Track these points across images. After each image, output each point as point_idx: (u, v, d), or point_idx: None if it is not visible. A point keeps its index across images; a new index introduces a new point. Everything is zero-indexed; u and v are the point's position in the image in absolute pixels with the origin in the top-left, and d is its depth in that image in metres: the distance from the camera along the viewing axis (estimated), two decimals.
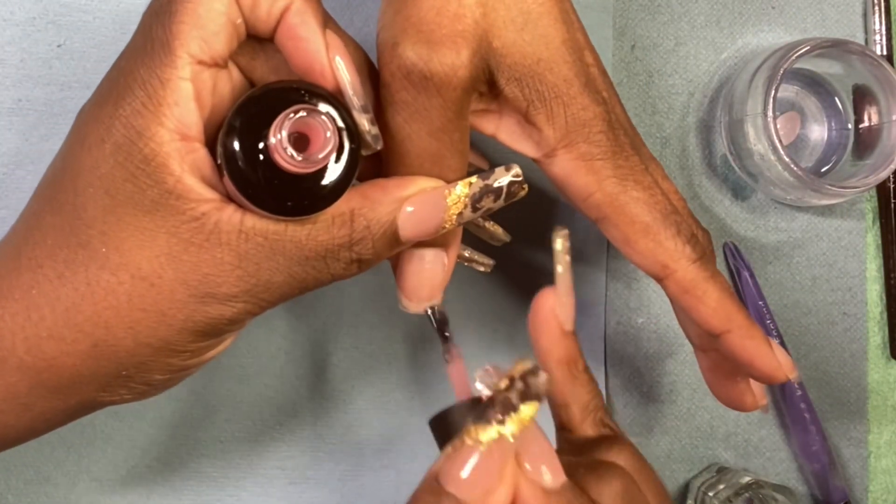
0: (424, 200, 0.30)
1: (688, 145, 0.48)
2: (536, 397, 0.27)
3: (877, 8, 0.49)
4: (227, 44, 0.28)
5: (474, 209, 0.30)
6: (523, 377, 0.27)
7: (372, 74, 0.32)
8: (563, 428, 0.34)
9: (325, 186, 0.28)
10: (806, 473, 0.49)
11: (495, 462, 0.27)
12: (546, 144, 0.32)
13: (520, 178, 0.31)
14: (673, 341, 0.48)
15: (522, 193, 0.31)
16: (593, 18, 0.46)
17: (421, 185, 0.30)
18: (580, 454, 0.32)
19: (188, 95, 0.27)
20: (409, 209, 0.29)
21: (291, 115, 0.27)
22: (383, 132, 0.30)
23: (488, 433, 0.26)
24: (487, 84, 0.31)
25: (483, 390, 0.28)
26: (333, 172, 0.28)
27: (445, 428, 0.29)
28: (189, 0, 0.27)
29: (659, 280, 0.33)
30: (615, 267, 0.47)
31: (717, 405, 0.48)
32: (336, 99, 0.28)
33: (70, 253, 0.28)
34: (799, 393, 0.47)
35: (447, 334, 0.32)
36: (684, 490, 0.48)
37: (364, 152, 0.30)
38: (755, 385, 0.36)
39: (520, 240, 0.46)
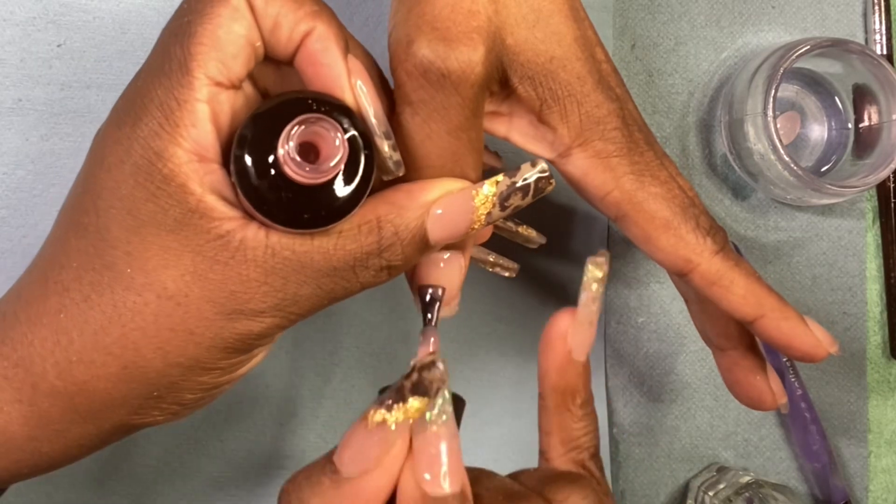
0: (452, 202, 0.29)
1: (688, 145, 0.48)
2: (425, 393, 0.26)
3: (877, 8, 0.49)
4: (245, 66, 0.28)
5: (503, 208, 0.30)
6: (420, 369, 0.27)
7: (382, 81, 0.31)
8: (541, 454, 0.33)
9: (342, 196, 0.28)
10: (806, 473, 0.49)
11: (373, 444, 0.26)
12: (561, 143, 0.32)
13: (546, 174, 0.30)
14: (673, 341, 0.48)
15: (550, 188, 0.30)
16: (593, 18, 0.46)
17: (446, 187, 0.30)
18: (538, 485, 0.30)
19: (205, 117, 0.27)
20: (438, 212, 0.29)
21: (297, 125, 0.27)
22: (400, 133, 0.30)
23: (376, 416, 0.26)
24: (499, 83, 0.31)
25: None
26: (349, 181, 0.28)
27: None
28: (209, 22, 0.27)
29: (683, 275, 0.32)
30: (615, 267, 0.47)
31: (717, 405, 0.48)
32: (346, 107, 0.28)
33: (96, 275, 0.28)
34: (799, 392, 0.47)
35: (430, 316, 0.31)
36: (684, 490, 0.48)
37: (385, 177, 0.30)
38: (774, 383, 0.35)
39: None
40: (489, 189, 0.29)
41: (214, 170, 0.27)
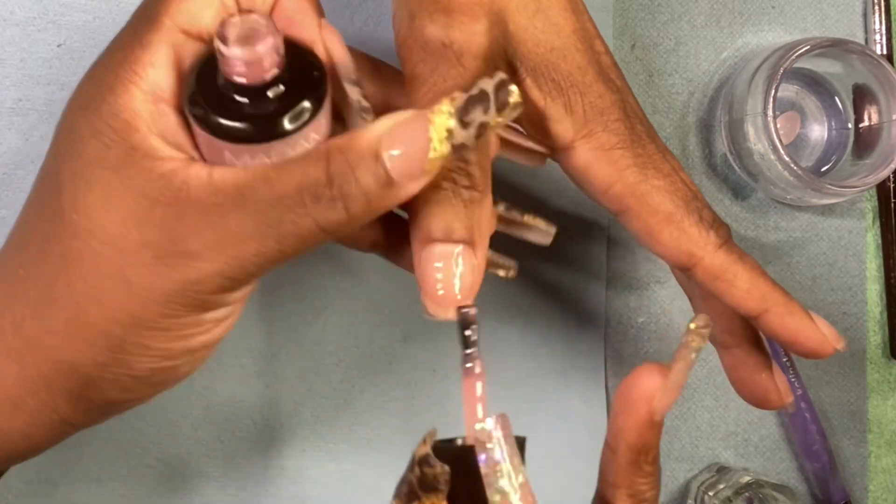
0: (406, 123, 0.27)
1: (688, 145, 0.48)
2: (435, 490, 0.25)
3: (877, 7, 0.49)
4: (215, 21, 0.28)
5: (464, 125, 0.26)
6: (420, 464, 0.25)
7: (379, 70, 0.31)
8: (602, 501, 0.31)
9: (286, 105, 0.27)
10: (806, 473, 0.49)
11: None
12: (565, 136, 0.31)
13: (505, 80, 0.27)
14: (673, 341, 0.48)
15: (513, 100, 0.27)
16: (593, 18, 0.46)
17: (401, 115, 0.27)
18: None
19: (167, 60, 0.27)
20: (392, 134, 0.26)
21: (234, 19, 0.27)
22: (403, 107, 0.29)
23: None
24: (507, 70, 0.30)
25: (475, 444, 0.26)
26: (295, 100, 0.27)
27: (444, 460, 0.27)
28: None
29: (686, 269, 0.32)
30: (615, 267, 0.47)
31: (717, 405, 0.48)
32: (308, 48, 0.29)
33: (49, 225, 0.27)
34: (799, 392, 0.47)
35: (470, 343, 0.28)
36: (684, 490, 0.48)
37: (353, 124, 0.29)
38: (780, 381, 0.35)
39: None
40: (445, 106, 0.26)
41: (166, 112, 0.27)
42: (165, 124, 0.27)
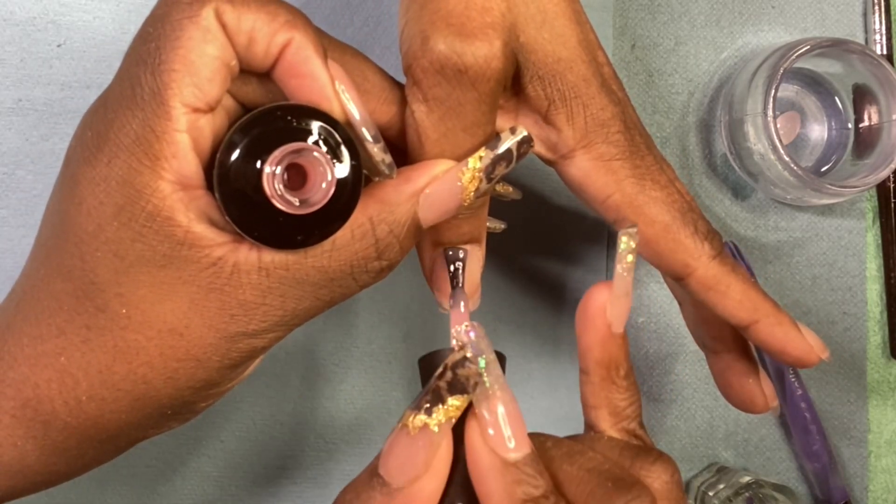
0: (440, 186, 0.29)
1: (688, 145, 0.48)
2: (462, 391, 0.26)
3: (877, 7, 0.49)
4: (222, 87, 0.27)
5: (489, 179, 0.30)
6: (453, 367, 0.27)
7: (387, 83, 0.31)
8: (589, 428, 0.33)
9: (332, 213, 0.27)
10: (806, 473, 0.49)
11: (420, 450, 0.26)
12: (565, 145, 0.31)
13: (526, 136, 0.30)
14: (673, 341, 0.48)
15: (532, 150, 0.31)
16: (593, 18, 0.46)
17: (431, 172, 0.29)
18: (622, 459, 0.30)
19: (186, 147, 0.26)
20: (428, 195, 0.29)
21: (279, 158, 0.26)
22: (415, 131, 0.30)
23: (415, 420, 0.26)
24: (511, 80, 0.31)
25: (453, 343, 0.28)
26: (339, 197, 0.27)
27: (426, 371, 0.29)
28: (180, 46, 0.26)
29: (680, 279, 0.33)
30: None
31: (717, 405, 0.48)
32: (329, 117, 0.27)
33: (90, 318, 0.27)
34: (799, 393, 0.47)
35: (458, 280, 0.32)
36: (684, 490, 0.48)
37: (377, 179, 0.29)
38: (766, 387, 0.36)
39: (525, 232, 0.46)
40: (474, 164, 0.29)
41: (200, 196, 0.27)
42: (199, 207, 0.27)
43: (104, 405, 0.28)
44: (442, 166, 0.29)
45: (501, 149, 0.30)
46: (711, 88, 0.48)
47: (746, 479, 0.45)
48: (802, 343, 0.33)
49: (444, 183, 0.29)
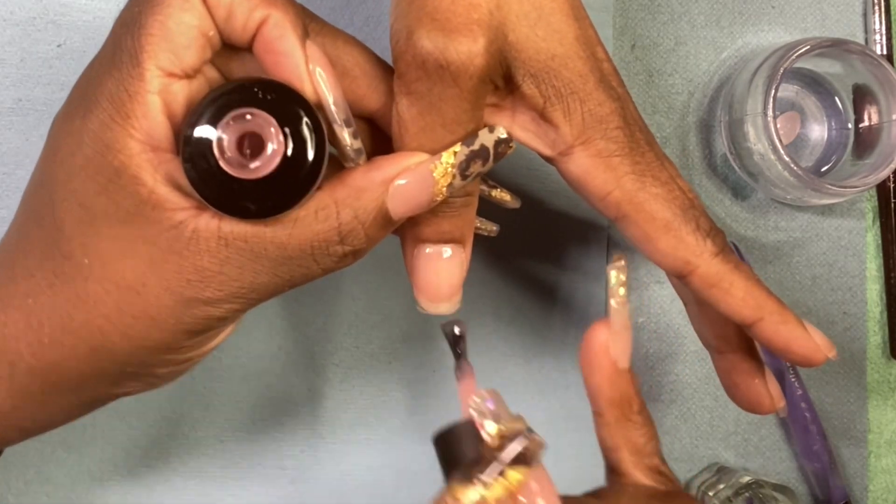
0: (411, 178, 0.29)
1: (688, 145, 0.48)
2: (526, 463, 0.26)
3: (877, 8, 0.49)
4: (199, 55, 0.28)
5: (464, 176, 0.30)
6: (513, 438, 0.26)
7: (379, 70, 0.31)
8: (613, 472, 0.33)
9: (289, 186, 0.27)
10: (806, 473, 0.49)
11: None
12: (563, 142, 0.31)
13: (505, 137, 0.30)
14: (673, 341, 0.48)
15: (510, 152, 0.30)
16: (593, 18, 0.46)
17: (404, 162, 0.29)
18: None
19: (157, 109, 0.27)
20: (398, 186, 0.29)
21: (230, 121, 0.26)
22: (397, 124, 0.30)
23: (470, 495, 0.25)
24: (504, 79, 0.31)
25: (474, 416, 0.27)
26: (298, 170, 0.27)
27: (446, 448, 0.28)
28: (159, 12, 0.27)
29: (682, 277, 0.32)
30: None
31: (717, 405, 0.48)
32: (297, 94, 0.28)
33: (57, 264, 0.28)
34: (799, 393, 0.48)
35: (460, 351, 0.31)
36: (685, 490, 0.48)
37: (347, 165, 0.30)
38: (772, 387, 0.35)
39: (524, 233, 0.46)
40: (448, 159, 0.29)
41: (168, 159, 0.27)
42: (168, 170, 0.27)
43: (63, 350, 0.29)
44: (415, 158, 0.30)
45: (476, 145, 0.29)
46: (711, 88, 0.48)
47: (746, 479, 0.45)
48: (808, 341, 0.32)
49: (414, 174, 0.29)
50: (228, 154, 0.26)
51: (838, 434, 0.49)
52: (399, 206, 0.29)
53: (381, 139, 0.33)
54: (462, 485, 0.25)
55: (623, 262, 0.31)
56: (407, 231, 0.32)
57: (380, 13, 0.44)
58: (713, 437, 0.48)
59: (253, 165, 0.26)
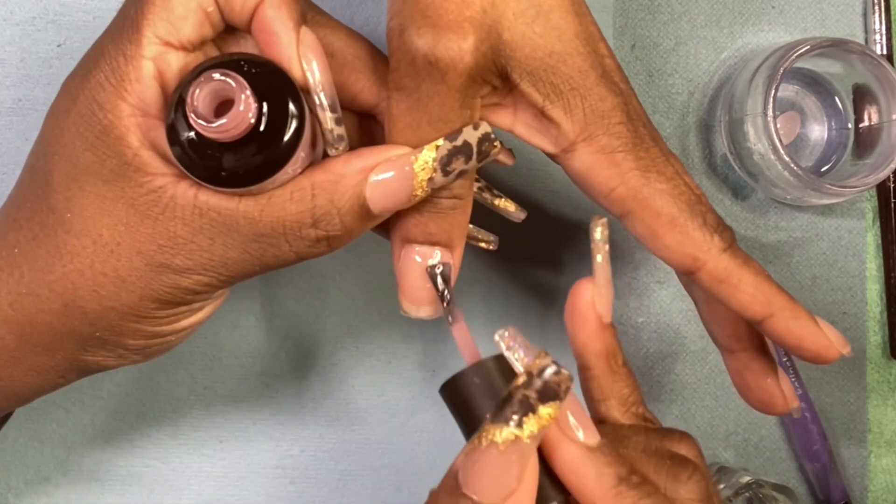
0: (390, 169, 0.29)
1: (688, 145, 0.48)
2: (557, 397, 0.25)
3: (877, 8, 0.49)
4: (197, 29, 0.29)
5: (445, 173, 0.30)
6: (541, 373, 0.26)
7: (381, 65, 0.32)
8: (601, 422, 0.33)
9: (261, 156, 0.27)
10: (806, 473, 0.49)
11: (513, 465, 0.25)
12: (565, 139, 0.31)
13: (489, 134, 0.30)
14: (673, 341, 0.48)
15: (495, 151, 0.30)
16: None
17: (385, 154, 0.30)
18: (655, 442, 0.31)
19: (150, 74, 0.28)
20: (377, 179, 0.29)
21: (202, 80, 0.27)
22: (387, 120, 0.30)
23: (505, 434, 0.25)
24: (500, 78, 0.30)
25: (503, 350, 0.27)
26: (272, 142, 0.27)
27: (456, 395, 0.28)
28: None
29: (689, 274, 0.32)
30: (615, 267, 0.47)
31: (717, 405, 0.48)
32: (284, 73, 0.28)
33: (43, 217, 0.29)
34: (799, 392, 0.47)
35: (448, 296, 0.30)
36: None
37: (329, 151, 0.30)
38: (786, 386, 0.35)
39: (524, 234, 0.46)
40: (428, 154, 0.29)
41: (156, 125, 0.28)
42: (154, 137, 0.28)
43: (38, 302, 0.29)
44: (397, 151, 0.30)
45: (458, 140, 0.29)
46: (711, 88, 0.48)
47: (746, 479, 0.45)
48: (821, 338, 0.32)
49: (393, 165, 0.29)
50: (199, 109, 0.27)
51: (838, 434, 0.49)
52: (378, 198, 0.29)
53: (378, 134, 0.33)
54: (495, 424, 0.25)
55: (605, 220, 0.31)
56: (395, 231, 0.32)
57: (380, 13, 0.44)
58: (713, 437, 0.48)
59: (217, 123, 0.26)
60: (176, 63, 0.29)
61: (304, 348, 0.44)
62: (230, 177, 0.27)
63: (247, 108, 0.27)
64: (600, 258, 0.31)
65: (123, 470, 0.42)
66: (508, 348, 0.27)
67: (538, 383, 0.26)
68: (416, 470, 0.45)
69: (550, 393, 0.26)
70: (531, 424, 0.25)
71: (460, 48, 0.29)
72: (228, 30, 0.30)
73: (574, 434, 0.27)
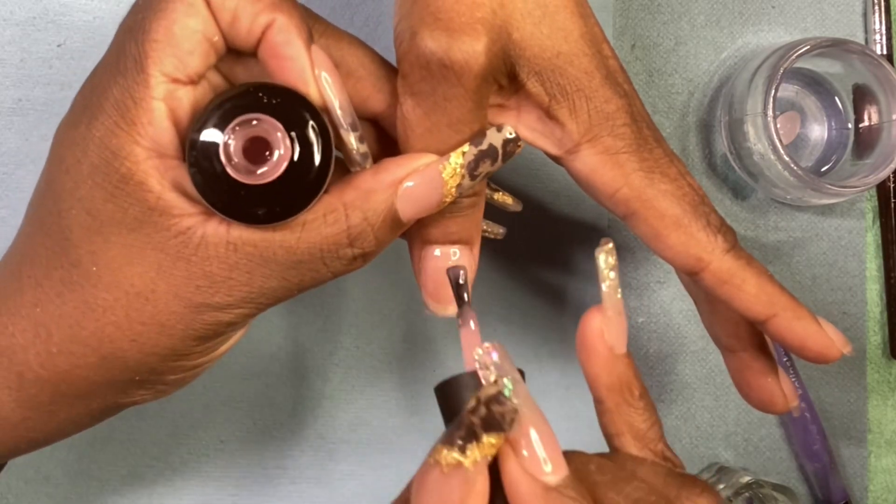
0: (420, 178, 0.29)
1: (688, 145, 0.48)
2: (500, 429, 0.25)
3: (877, 7, 0.49)
4: (204, 61, 0.28)
5: (472, 177, 0.30)
6: (487, 403, 0.25)
7: (384, 71, 0.31)
8: (615, 451, 0.32)
9: (297, 191, 0.27)
10: (806, 473, 0.49)
11: (454, 489, 0.25)
12: (569, 140, 0.31)
13: (513, 136, 0.30)
14: (673, 341, 0.48)
15: (518, 151, 0.30)
16: None
17: (413, 164, 0.29)
18: (664, 487, 0.29)
19: (162, 115, 0.27)
20: (407, 188, 0.29)
21: (237, 126, 0.26)
22: (402, 126, 0.30)
23: (448, 458, 0.25)
24: (508, 77, 0.30)
25: (478, 368, 0.27)
26: (305, 175, 0.27)
27: (446, 399, 0.28)
28: (163, 18, 0.27)
29: (693, 274, 0.32)
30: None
31: (717, 405, 0.48)
32: (303, 98, 0.28)
33: (65, 273, 0.28)
34: (799, 392, 0.47)
35: (464, 297, 0.30)
36: None
37: (353, 169, 0.29)
38: (786, 385, 0.35)
39: (525, 234, 0.46)
40: (456, 160, 0.29)
41: (175, 165, 0.27)
42: (174, 176, 0.27)
43: (73, 359, 0.28)
44: (424, 160, 0.30)
45: (484, 144, 0.30)
46: (711, 88, 0.48)
47: (746, 479, 0.45)
48: (823, 337, 0.32)
49: (424, 176, 0.29)
50: (235, 160, 0.26)
51: (838, 434, 0.49)
52: (409, 208, 0.29)
53: (385, 142, 0.33)
54: (443, 445, 0.25)
55: (611, 245, 0.30)
56: (414, 233, 0.32)
57: (380, 13, 0.44)
58: (713, 437, 0.48)
59: (260, 171, 0.26)
60: (186, 98, 0.28)
61: (304, 348, 0.44)
62: (268, 214, 0.27)
63: (286, 151, 0.26)
64: (606, 287, 0.30)
65: (123, 470, 0.42)
66: (482, 366, 0.27)
67: (482, 411, 0.25)
68: (416, 470, 0.45)
69: (494, 423, 0.25)
70: (474, 452, 0.25)
71: (474, 50, 0.28)
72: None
73: (532, 465, 0.26)
